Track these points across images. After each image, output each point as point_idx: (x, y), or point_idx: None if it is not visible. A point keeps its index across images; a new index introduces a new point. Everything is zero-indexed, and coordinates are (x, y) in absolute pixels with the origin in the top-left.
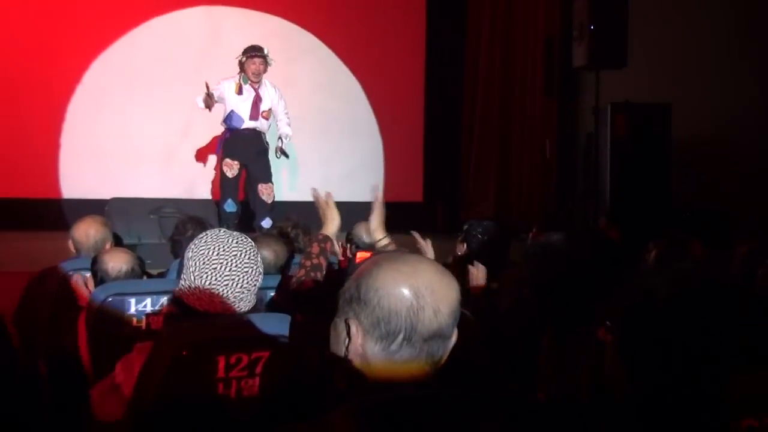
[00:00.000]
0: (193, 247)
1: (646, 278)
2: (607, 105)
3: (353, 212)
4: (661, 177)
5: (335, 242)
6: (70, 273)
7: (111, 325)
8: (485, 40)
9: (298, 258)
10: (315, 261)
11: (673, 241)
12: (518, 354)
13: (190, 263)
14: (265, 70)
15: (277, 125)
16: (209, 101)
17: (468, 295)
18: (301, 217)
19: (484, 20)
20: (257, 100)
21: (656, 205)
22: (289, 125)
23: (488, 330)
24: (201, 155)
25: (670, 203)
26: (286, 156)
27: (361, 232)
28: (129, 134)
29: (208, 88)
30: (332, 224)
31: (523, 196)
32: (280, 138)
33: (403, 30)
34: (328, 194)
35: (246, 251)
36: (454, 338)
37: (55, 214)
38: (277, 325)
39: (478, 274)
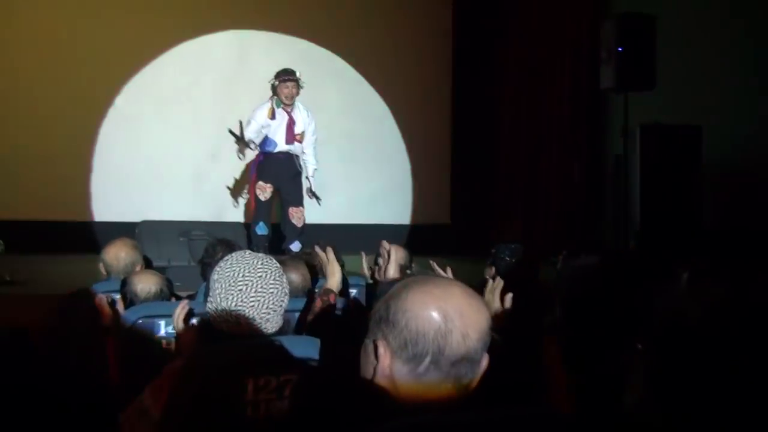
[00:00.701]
0: (218, 269)
1: (678, 302)
2: (636, 127)
3: (381, 235)
4: (692, 199)
5: (337, 294)
6: (102, 295)
7: (140, 347)
8: (512, 62)
9: (322, 281)
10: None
11: (705, 264)
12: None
13: (216, 285)
14: (297, 93)
15: (304, 156)
16: (241, 146)
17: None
18: (329, 243)
19: (511, 42)
20: (291, 124)
21: (688, 227)
22: (315, 149)
23: (518, 354)
24: (230, 178)
25: (702, 225)
26: (318, 200)
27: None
28: (159, 157)
29: (234, 135)
30: (334, 278)
31: (552, 218)
32: (307, 178)
33: (431, 53)
34: (329, 249)
35: (271, 272)
36: (484, 363)
37: (87, 236)
38: (305, 347)
39: (498, 294)
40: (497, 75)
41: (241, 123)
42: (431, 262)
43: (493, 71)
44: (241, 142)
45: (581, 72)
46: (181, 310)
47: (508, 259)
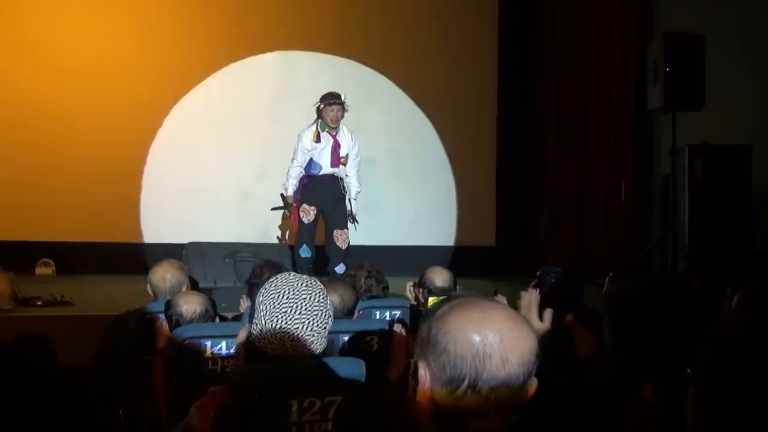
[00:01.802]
0: (263, 291)
1: (728, 325)
2: (684, 146)
3: (425, 256)
4: (742, 220)
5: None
6: (149, 316)
7: (188, 369)
8: (558, 82)
9: (366, 303)
10: None
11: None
12: (599, 405)
13: (261, 307)
14: (342, 116)
15: (347, 179)
16: (290, 210)
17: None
18: (374, 264)
19: (556, 62)
20: (336, 147)
21: (737, 249)
22: (359, 172)
23: (564, 379)
24: (277, 199)
25: (752, 247)
26: (356, 223)
27: (434, 277)
28: (206, 178)
29: (279, 208)
30: (396, 371)
31: (599, 239)
32: (350, 201)
33: (476, 72)
34: (401, 337)
35: (315, 294)
36: (531, 389)
37: (136, 257)
38: (350, 368)
39: (535, 311)
40: (542, 95)
41: (282, 195)
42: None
43: (539, 92)
44: (290, 207)
45: (627, 92)
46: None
47: (553, 281)
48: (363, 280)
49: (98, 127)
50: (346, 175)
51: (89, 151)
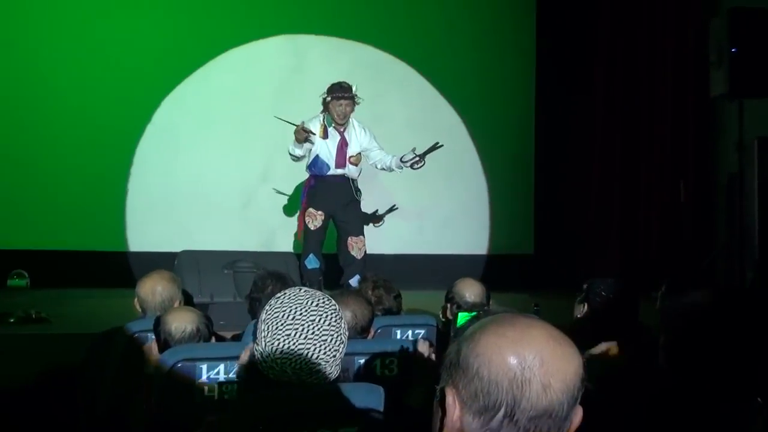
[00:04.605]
0: (268, 307)
1: None
2: (753, 139)
3: (454, 266)
4: None
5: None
6: (136, 335)
7: (180, 395)
8: (605, 68)
9: (385, 320)
10: None
11: None
12: None
13: (263, 326)
14: (352, 111)
15: (380, 162)
16: (302, 135)
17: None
18: (387, 274)
19: (602, 44)
20: (343, 145)
21: None
22: (383, 149)
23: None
24: (283, 201)
25: None
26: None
27: (464, 290)
28: (202, 179)
29: (301, 126)
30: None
31: (653, 247)
32: (401, 160)
33: (510, 56)
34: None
35: (327, 316)
36: (576, 420)
37: (121, 268)
38: (366, 396)
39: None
40: (587, 84)
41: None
42: None
43: (583, 80)
44: (300, 131)
45: (687, 77)
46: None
47: (604, 294)
48: (370, 292)
49: (77, 122)
50: (377, 163)
51: (67, 149)
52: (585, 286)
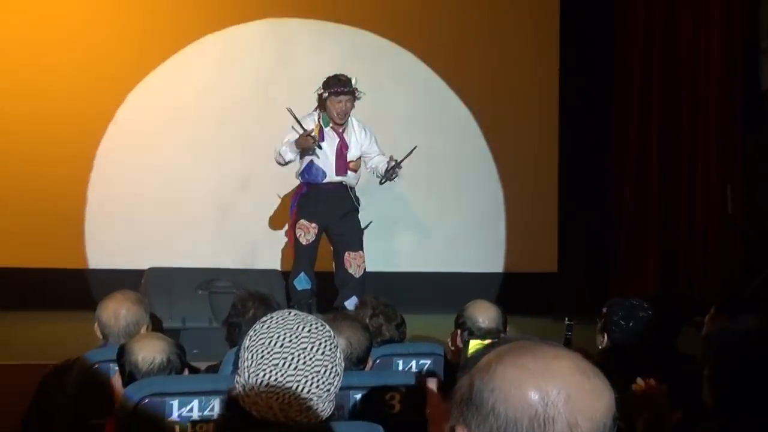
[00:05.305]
0: (252, 333)
1: None
2: None
3: (467, 286)
4: None
5: None
6: (96, 366)
7: None
8: (640, 59)
9: (384, 349)
10: None
11: None
12: None
13: (246, 354)
14: (352, 107)
15: (377, 172)
16: (308, 143)
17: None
18: (387, 295)
19: (636, 34)
20: (343, 148)
21: None
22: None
23: None
24: (265, 211)
25: None
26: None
27: (476, 315)
28: (173, 185)
29: (310, 132)
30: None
31: (696, 263)
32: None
33: (531, 42)
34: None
35: (320, 343)
36: None
37: (80, 288)
38: None
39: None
40: (619, 77)
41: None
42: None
43: (613, 73)
44: (308, 138)
45: (733, 68)
46: None
47: (623, 323)
48: (368, 320)
49: (28, 120)
50: (374, 167)
51: (16, 152)
52: (604, 309)
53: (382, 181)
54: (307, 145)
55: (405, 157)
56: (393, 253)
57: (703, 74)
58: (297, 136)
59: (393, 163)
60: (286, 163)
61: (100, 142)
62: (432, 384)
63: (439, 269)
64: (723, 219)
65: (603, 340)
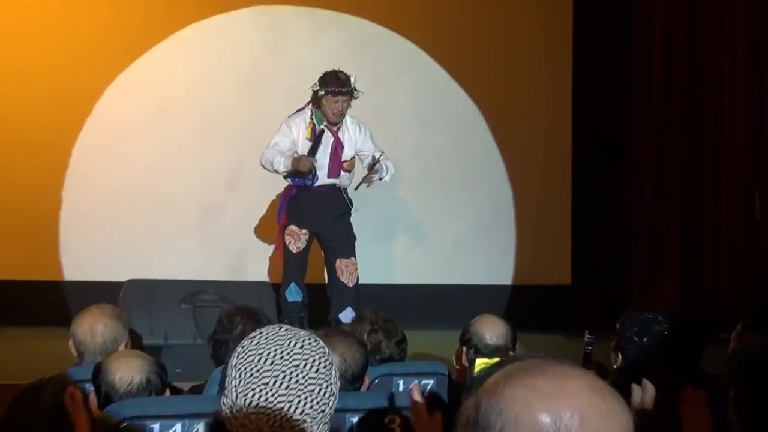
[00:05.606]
0: (239, 350)
1: None
2: None
3: (472, 299)
4: None
5: None
6: (71, 386)
7: None
8: (659, 51)
9: (383, 368)
10: None
11: None
12: None
13: (234, 373)
14: (349, 107)
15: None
16: (303, 163)
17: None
18: (386, 310)
19: (656, 25)
20: (338, 148)
21: None
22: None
23: None
24: (254, 216)
25: None
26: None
27: (483, 330)
28: (154, 187)
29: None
30: None
31: (722, 274)
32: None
33: (543, 33)
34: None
35: (314, 360)
36: None
37: (54, 301)
38: None
39: (645, 395)
40: (636, 72)
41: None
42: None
43: (631, 68)
44: (309, 163)
45: (761, 64)
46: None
47: (636, 339)
48: (366, 336)
49: None
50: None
51: None
52: (617, 326)
53: (356, 186)
54: (306, 169)
55: (372, 164)
56: (391, 262)
57: (727, 73)
58: (287, 139)
59: (372, 162)
60: (275, 173)
61: (77, 140)
62: (416, 394)
63: (442, 281)
64: (750, 227)
65: (617, 359)
